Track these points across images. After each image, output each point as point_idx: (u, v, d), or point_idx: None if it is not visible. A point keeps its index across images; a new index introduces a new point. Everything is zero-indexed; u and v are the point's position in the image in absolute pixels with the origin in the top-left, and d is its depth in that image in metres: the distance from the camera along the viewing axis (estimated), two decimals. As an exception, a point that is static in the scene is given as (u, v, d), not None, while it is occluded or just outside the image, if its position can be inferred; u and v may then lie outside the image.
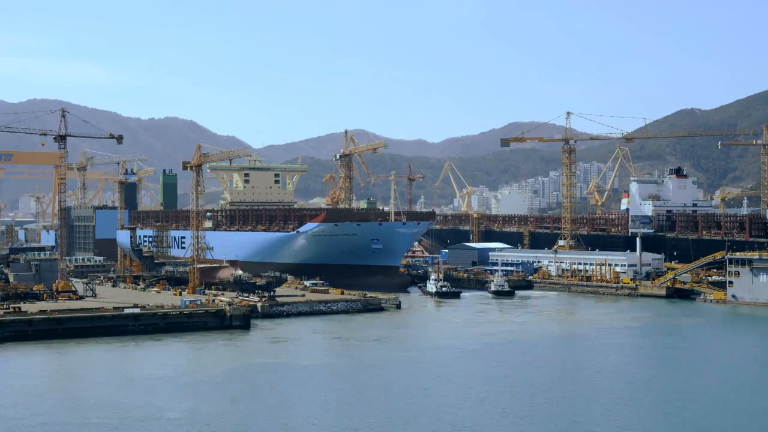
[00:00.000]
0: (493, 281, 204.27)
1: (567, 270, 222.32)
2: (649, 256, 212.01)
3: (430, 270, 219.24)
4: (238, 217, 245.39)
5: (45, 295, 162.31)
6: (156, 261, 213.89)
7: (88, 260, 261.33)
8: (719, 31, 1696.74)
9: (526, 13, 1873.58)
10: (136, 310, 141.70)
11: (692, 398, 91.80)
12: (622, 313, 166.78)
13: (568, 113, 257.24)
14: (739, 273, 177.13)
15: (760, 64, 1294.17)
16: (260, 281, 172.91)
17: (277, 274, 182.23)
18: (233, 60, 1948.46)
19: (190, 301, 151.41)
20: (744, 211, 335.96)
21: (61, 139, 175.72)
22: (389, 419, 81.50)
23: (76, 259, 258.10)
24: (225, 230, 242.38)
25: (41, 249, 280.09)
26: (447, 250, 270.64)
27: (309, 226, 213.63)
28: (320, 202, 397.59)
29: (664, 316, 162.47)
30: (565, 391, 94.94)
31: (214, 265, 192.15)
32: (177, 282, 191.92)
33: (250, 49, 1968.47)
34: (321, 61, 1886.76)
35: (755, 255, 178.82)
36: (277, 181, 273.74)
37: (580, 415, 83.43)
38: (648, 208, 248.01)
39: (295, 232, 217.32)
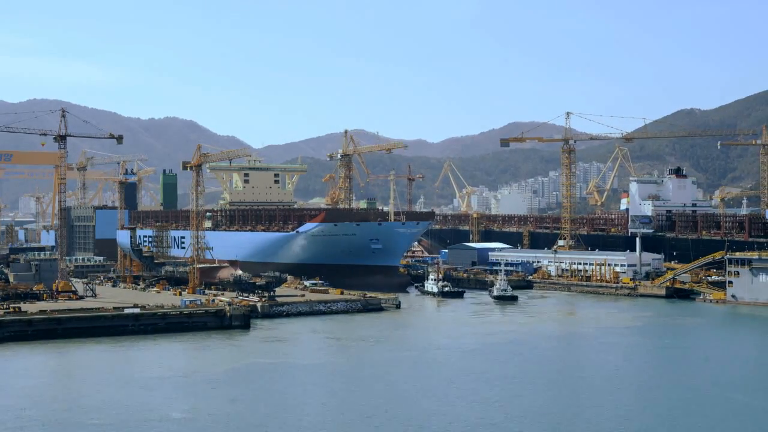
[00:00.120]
0: (495, 285, 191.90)
1: (567, 270, 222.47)
2: (648, 256, 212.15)
3: (429, 270, 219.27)
4: (238, 217, 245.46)
5: (45, 295, 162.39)
6: (156, 261, 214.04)
7: (88, 260, 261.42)
8: (719, 31, 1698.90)
9: (526, 13, 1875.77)
10: (136, 310, 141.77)
11: (692, 398, 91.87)
12: (622, 313, 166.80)
13: (568, 113, 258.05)
14: (738, 273, 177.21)
15: (760, 64, 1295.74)
16: (260, 281, 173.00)
17: (277, 274, 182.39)
18: (233, 60, 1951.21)
19: (190, 301, 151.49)
20: (743, 211, 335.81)
21: (61, 139, 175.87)
22: (389, 419, 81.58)
23: (76, 259, 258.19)
24: (225, 230, 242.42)
25: (41, 249, 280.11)
26: (447, 250, 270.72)
27: (308, 226, 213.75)
28: (320, 202, 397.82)
29: (663, 316, 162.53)
30: (564, 391, 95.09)
31: (214, 265, 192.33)
32: (177, 282, 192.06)
33: (250, 50, 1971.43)
34: (321, 61, 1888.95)
35: (755, 255, 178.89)
36: (276, 181, 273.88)
37: (580, 415, 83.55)
38: (647, 208, 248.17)
39: (294, 232, 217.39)
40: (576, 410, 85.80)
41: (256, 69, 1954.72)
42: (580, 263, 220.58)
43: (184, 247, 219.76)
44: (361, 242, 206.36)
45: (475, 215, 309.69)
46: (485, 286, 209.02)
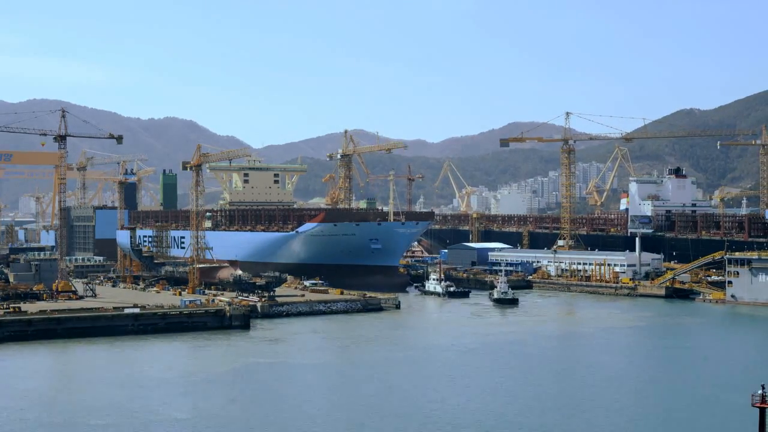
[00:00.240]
0: (495, 287, 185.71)
1: (566, 270, 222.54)
2: (648, 256, 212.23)
3: (430, 270, 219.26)
4: (238, 217, 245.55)
5: (45, 295, 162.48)
6: (156, 261, 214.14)
7: (88, 260, 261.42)
8: (719, 31, 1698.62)
9: (526, 13, 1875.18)
10: (136, 310, 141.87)
11: (692, 398, 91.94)
12: (622, 313, 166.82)
13: (568, 113, 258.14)
14: (738, 273, 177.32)
15: (760, 64, 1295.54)
16: (260, 281, 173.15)
17: (277, 274, 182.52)
18: (233, 60, 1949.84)
19: (190, 301, 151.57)
20: (743, 211, 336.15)
21: (61, 139, 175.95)
22: (389, 418, 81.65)
23: (76, 259, 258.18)
24: (224, 230, 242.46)
25: (41, 249, 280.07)
26: (446, 250, 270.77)
27: (308, 226, 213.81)
28: (320, 202, 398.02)
29: (663, 316, 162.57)
30: (564, 391, 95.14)
31: (214, 265, 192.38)
32: (177, 282, 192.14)
33: (250, 49, 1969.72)
34: (321, 61, 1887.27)
35: (754, 255, 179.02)
36: (276, 181, 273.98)
37: (580, 415, 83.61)
38: (647, 208, 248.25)
39: (294, 232, 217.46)
40: (576, 410, 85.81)
41: (256, 69, 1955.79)
42: (579, 263, 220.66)
43: (183, 247, 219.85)
44: (361, 242, 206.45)
45: (474, 215, 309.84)
46: (485, 286, 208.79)
